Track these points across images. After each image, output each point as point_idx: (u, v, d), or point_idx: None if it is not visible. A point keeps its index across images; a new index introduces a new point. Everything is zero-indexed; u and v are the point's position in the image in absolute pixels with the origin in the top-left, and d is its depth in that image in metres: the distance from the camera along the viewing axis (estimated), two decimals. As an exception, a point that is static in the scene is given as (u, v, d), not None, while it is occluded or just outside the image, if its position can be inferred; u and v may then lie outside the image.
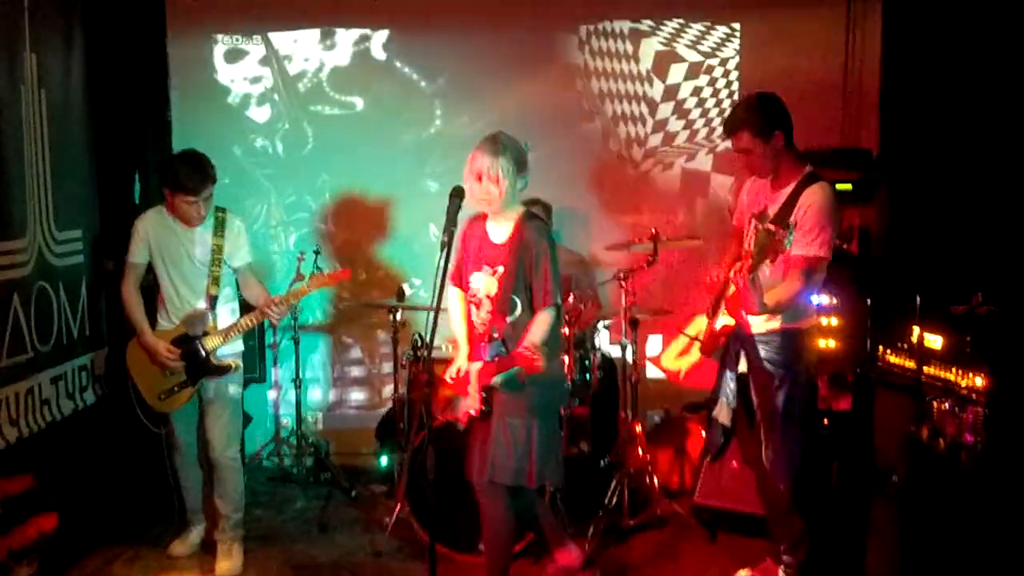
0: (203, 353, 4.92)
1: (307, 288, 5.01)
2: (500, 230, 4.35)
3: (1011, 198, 5.05)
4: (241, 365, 5.08)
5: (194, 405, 5.03)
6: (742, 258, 4.11)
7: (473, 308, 4.41)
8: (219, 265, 4.94)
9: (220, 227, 4.95)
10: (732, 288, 4.23)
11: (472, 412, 4.24)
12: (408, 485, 5.10)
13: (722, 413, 4.62)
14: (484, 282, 4.33)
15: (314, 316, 6.75)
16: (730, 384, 4.58)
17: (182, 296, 4.97)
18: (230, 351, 5.02)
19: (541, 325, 4.18)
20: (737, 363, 4.55)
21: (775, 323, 4.37)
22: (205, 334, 4.94)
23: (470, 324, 4.44)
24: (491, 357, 4.20)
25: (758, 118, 4.34)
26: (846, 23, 6.38)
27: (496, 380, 4.17)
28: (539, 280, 4.22)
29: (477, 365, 4.24)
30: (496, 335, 4.24)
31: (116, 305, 5.22)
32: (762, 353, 4.42)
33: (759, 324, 4.40)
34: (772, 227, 3.90)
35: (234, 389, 5.08)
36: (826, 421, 5.39)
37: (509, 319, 4.24)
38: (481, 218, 4.41)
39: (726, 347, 4.56)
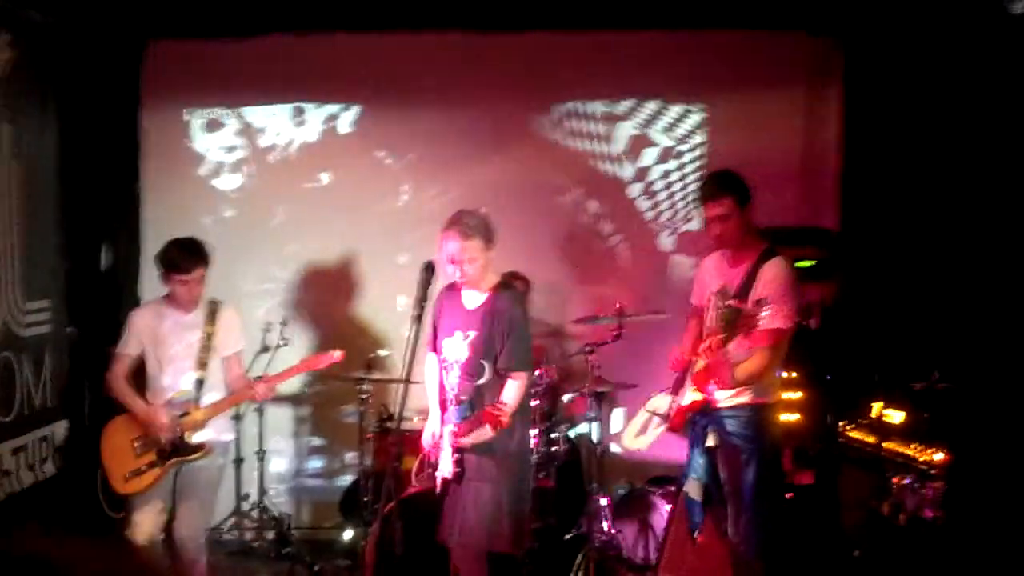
0: (178, 434, 4.90)
1: (298, 368, 5.18)
2: (475, 297, 4.45)
3: (969, 276, 5.17)
4: (218, 448, 5.02)
5: (161, 489, 4.96)
6: (710, 334, 4.19)
7: (444, 372, 4.47)
8: (207, 351, 4.99)
9: (212, 316, 5.04)
10: (699, 364, 4.30)
11: (447, 475, 4.28)
12: (376, 558, 5.06)
13: (692, 488, 4.66)
14: (456, 347, 4.41)
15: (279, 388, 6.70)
16: (699, 459, 4.62)
17: (168, 379, 4.98)
18: (211, 434, 4.99)
19: (512, 389, 4.28)
20: (705, 439, 4.59)
21: (743, 397, 4.42)
22: (185, 414, 4.92)
23: (442, 389, 4.49)
24: (459, 419, 4.29)
25: (740, 187, 4.45)
26: (808, 103, 6.54)
27: (466, 441, 4.21)
28: (509, 348, 4.31)
29: (449, 428, 4.29)
30: (464, 398, 4.30)
31: (79, 376, 5.20)
32: (729, 428, 4.46)
33: (727, 399, 4.44)
34: (735, 303, 3.98)
35: (209, 471, 5.00)
36: (790, 495, 5.42)
37: (477, 382, 4.31)
38: (456, 287, 4.48)
39: (693, 423, 4.60)
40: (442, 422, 4.43)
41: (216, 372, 5.04)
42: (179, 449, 4.90)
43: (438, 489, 4.40)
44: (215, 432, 4.98)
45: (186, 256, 4.90)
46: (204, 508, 5.06)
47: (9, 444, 4.95)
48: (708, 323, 4.48)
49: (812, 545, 5.11)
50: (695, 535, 4.89)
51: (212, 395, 4.99)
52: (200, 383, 4.96)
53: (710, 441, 4.57)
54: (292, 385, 6.62)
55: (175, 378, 4.96)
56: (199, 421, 4.91)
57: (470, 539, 4.28)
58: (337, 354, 5.16)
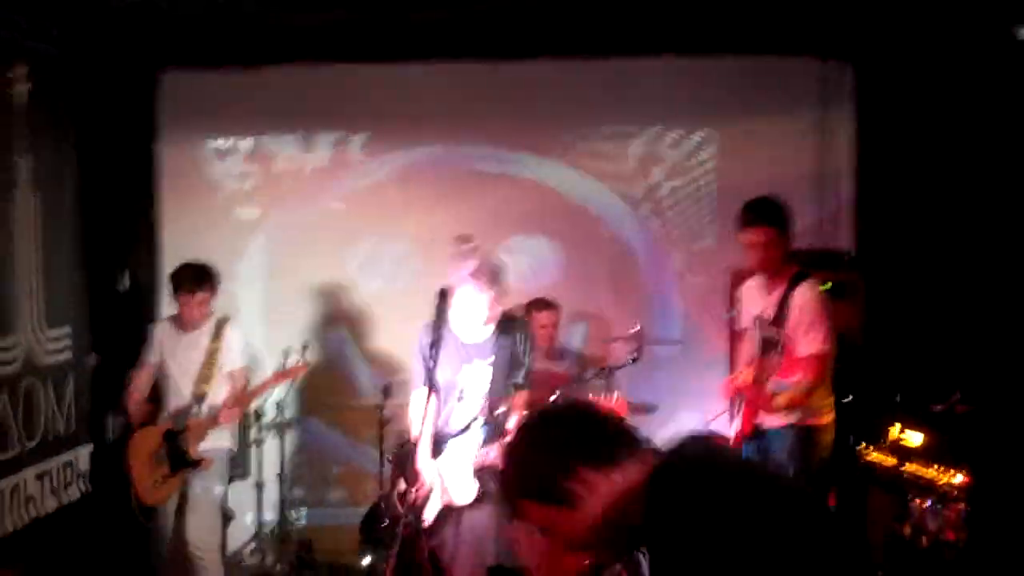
0: (182, 447, 5.13)
1: (265, 385, 5.41)
2: (480, 330, 4.58)
3: (988, 296, 5.19)
4: (217, 461, 5.24)
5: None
6: (750, 364, 4.25)
7: (453, 403, 4.57)
8: (211, 367, 5.27)
9: (218, 333, 5.34)
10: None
11: (463, 501, 4.36)
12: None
13: None
14: (473, 375, 4.52)
15: (299, 412, 6.74)
16: None
17: (178, 394, 5.27)
18: (211, 447, 5.11)
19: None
20: (755, 458, 4.60)
21: (792, 418, 4.46)
22: (187, 428, 5.13)
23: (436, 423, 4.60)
24: (483, 441, 4.41)
25: (782, 216, 4.46)
26: (820, 126, 6.57)
27: (493, 455, 4.34)
28: (523, 374, 4.51)
29: (470, 451, 4.43)
30: (486, 421, 4.39)
31: (102, 401, 5.30)
32: (777, 447, 4.48)
33: (776, 419, 4.47)
34: (773, 332, 4.06)
35: (211, 486, 5.21)
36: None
37: (500, 409, 4.43)
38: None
39: (746, 443, 4.64)
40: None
41: (223, 386, 5.29)
42: (182, 462, 5.13)
43: (430, 516, 4.53)
44: (212, 443, 5.19)
45: (191, 279, 5.25)
46: (209, 521, 5.20)
47: (33, 470, 4.99)
48: (752, 351, 4.53)
49: (835, 567, 5.10)
50: None
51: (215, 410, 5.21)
52: (201, 398, 5.21)
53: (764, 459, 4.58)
54: (310, 409, 6.68)
55: (183, 394, 5.25)
56: (196, 434, 5.13)
57: (481, 558, 4.37)
58: (301, 361, 5.43)
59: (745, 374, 4.32)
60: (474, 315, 4.49)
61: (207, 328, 5.36)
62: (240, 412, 5.34)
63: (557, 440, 2.02)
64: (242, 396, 5.30)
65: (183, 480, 5.17)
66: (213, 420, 5.16)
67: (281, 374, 5.43)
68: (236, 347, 5.41)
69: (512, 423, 4.38)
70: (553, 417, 2.17)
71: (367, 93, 6.70)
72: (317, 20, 5.97)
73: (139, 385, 5.36)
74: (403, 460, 4.79)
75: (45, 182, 5.26)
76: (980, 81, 5.40)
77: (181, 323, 5.36)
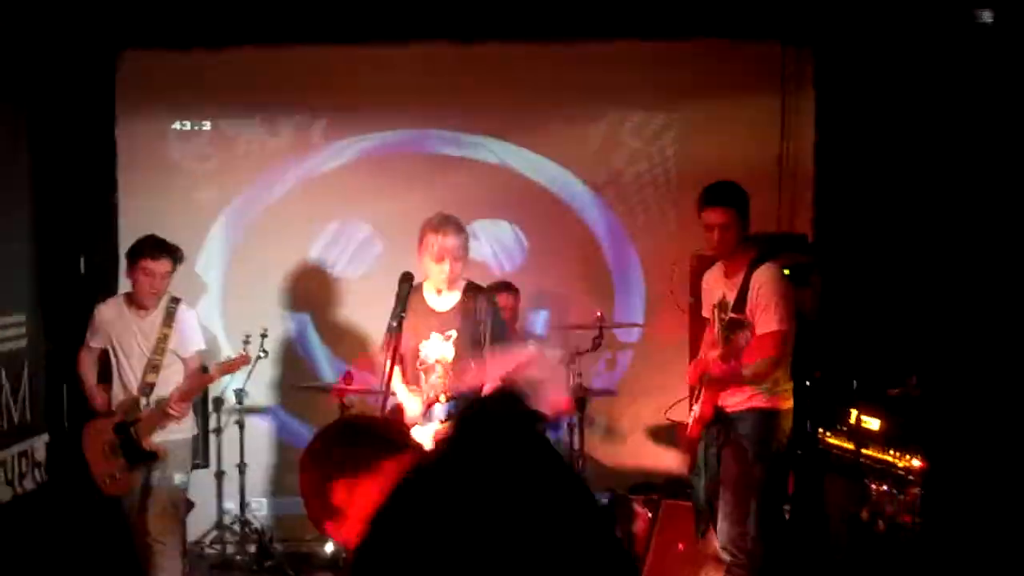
0: (134, 440, 4.93)
1: (210, 378, 5.23)
2: (445, 299, 4.57)
3: (945, 280, 5.24)
4: (175, 451, 5.04)
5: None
6: (713, 349, 4.29)
7: (421, 375, 4.55)
8: (161, 354, 5.00)
9: (169, 317, 5.05)
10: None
11: None
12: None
13: (698, 485, 4.70)
14: (437, 348, 4.49)
15: (258, 399, 6.68)
16: (709, 460, 4.64)
17: (128, 383, 5.03)
18: (168, 437, 5.00)
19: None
20: (716, 439, 4.62)
21: (755, 402, 4.48)
22: (137, 420, 4.95)
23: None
24: (445, 417, 4.36)
25: (742, 198, 4.52)
26: (780, 112, 6.60)
27: None
28: (492, 347, 4.48)
29: (433, 427, 4.38)
30: (451, 396, 4.41)
31: (58, 390, 5.19)
32: (740, 430, 4.50)
33: (739, 402, 4.50)
34: (734, 315, 4.11)
35: (170, 475, 5.02)
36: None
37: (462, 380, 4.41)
38: (417, 290, 4.54)
39: (707, 426, 4.65)
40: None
41: (176, 374, 5.05)
42: (137, 455, 4.93)
43: None
44: (169, 433, 4.99)
45: (153, 245, 4.95)
46: (169, 511, 5.05)
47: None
48: (714, 336, 4.57)
49: (795, 551, 5.16)
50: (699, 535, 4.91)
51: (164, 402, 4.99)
52: (150, 387, 4.98)
53: (719, 441, 4.60)
54: (270, 396, 6.63)
55: (134, 384, 5.00)
56: (148, 427, 4.93)
57: None
58: (243, 354, 5.19)
59: (711, 356, 4.37)
60: (449, 264, 4.47)
61: (159, 311, 5.05)
62: (188, 405, 5.04)
63: (317, 459, 2.17)
64: (192, 386, 5.05)
65: (144, 471, 4.97)
66: (164, 413, 4.92)
67: (224, 367, 5.18)
68: (189, 331, 5.14)
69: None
70: (318, 437, 2.25)
71: (329, 76, 6.63)
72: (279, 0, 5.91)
73: (83, 371, 5.10)
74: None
75: (-1, 166, 5.17)
76: (940, 65, 5.44)
77: (135, 301, 5.03)
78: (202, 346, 5.24)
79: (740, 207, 4.53)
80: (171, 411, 4.91)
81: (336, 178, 6.74)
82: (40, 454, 5.47)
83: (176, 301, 5.11)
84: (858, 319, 5.67)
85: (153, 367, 4.99)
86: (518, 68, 6.62)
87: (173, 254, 5.01)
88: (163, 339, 5.01)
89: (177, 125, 6.68)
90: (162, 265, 4.93)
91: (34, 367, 5.44)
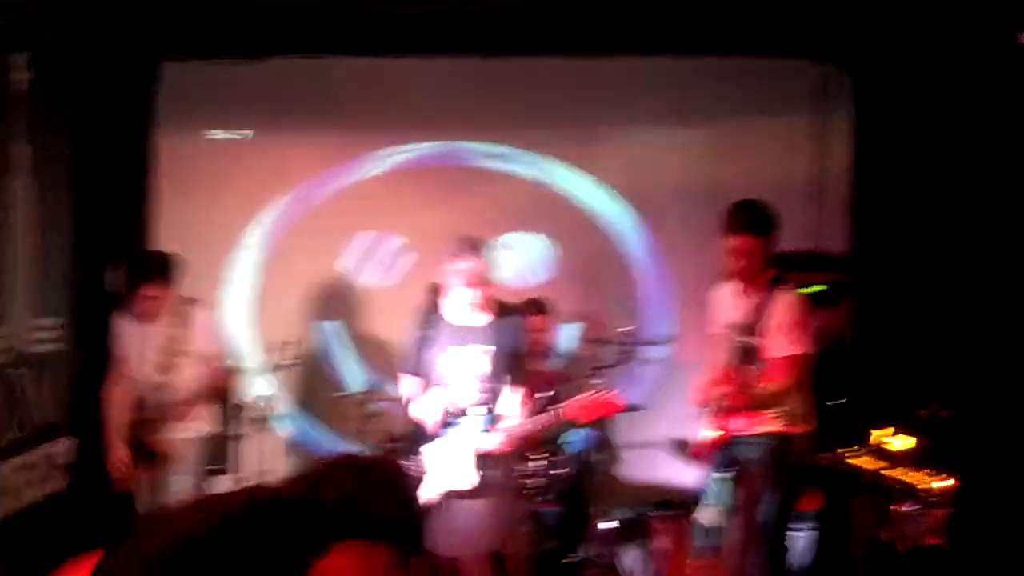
0: (140, 437, 4.97)
1: (200, 396, 5.11)
2: (477, 318, 4.57)
3: (979, 301, 5.16)
4: (186, 450, 5.04)
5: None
6: (728, 370, 4.23)
7: (444, 389, 4.57)
8: (171, 355, 4.98)
9: (182, 318, 5.03)
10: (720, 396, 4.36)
11: (465, 486, 4.43)
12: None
13: (705, 515, 4.63)
14: (471, 360, 4.51)
15: (283, 406, 6.72)
16: (721, 485, 4.58)
17: (144, 384, 5.04)
18: (177, 437, 5.01)
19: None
20: (729, 464, 4.57)
21: (771, 426, 4.42)
22: (144, 420, 4.97)
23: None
24: (484, 428, 4.41)
25: (767, 222, 4.42)
26: (817, 128, 6.54)
27: (495, 443, 4.39)
28: (518, 366, 4.54)
29: (470, 437, 4.45)
30: (486, 407, 4.46)
31: (89, 393, 5.24)
32: (754, 455, 4.44)
33: (754, 427, 4.44)
34: (750, 339, 4.06)
35: (180, 475, 5.01)
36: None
37: (498, 395, 4.47)
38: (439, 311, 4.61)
39: (719, 450, 4.59)
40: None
41: (190, 374, 5.04)
42: (143, 455, 4.96)
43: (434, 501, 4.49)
44: (175, 433, 4.99)
45: (152, 272, 4.94)
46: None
47: (17, 460, 4.99)
48: (727, 357, 4.50)
49: (818, 572, 5.09)
50: (697, 562, 4.86)
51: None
52: (160, 386, 4.97)
53: (735, 466, 4.55)
54: (296, 404, 6.66)
55: (144, 376, 5.01)
56: (154, 426, 4.95)
57: (483, 544, 4.46)
58: (226, 366, 5.18)
59: (725, 388, 4.28)
60: (475, 289, 4.47)
61: (170, 313, 5.00)
62: (195, 406, 5.03)
63: None
64: (201, 388, 5.02)
65: (152, 470, 4.97)
66: (170, 413, 4.94)
67: (208, 379, 5.09)
68: (202, 332, 5.09)
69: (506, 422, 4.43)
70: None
71: (367, 87, 6.69)
72: (316, 13, 5.97)
73: (112, 383, 5.08)
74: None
75: (42, 172, 5.27)
76: (977, 86, 5.36)
77: (139, 315, 4.99)
78: (217, 347, 5.22)
79: (765, 233, 4.41)
80: (176, 411, 4.94)
81: (371, 189, 6.79)
82: (67, 456, 5.54)
83: (190, 302, 5.10)
84: (889, 339, 5.58)
85: (164, 368, 4.99)
86: (554, 83, 6.63)
87: (165, 275, 4.96)
88: (174, 340, 4.98)
89: (215, 135, 6.78)
90: (159, 289, 4.91)
91: (65, 371, 5.51)
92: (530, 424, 4.35)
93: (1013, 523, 4.12)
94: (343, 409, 6.49)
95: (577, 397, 4.36)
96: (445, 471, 4.49)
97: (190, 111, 6.68)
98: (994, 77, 5.23)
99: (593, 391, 4.30)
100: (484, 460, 4.43)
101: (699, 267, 6.53)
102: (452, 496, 4.46)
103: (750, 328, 4.32)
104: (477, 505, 4.44)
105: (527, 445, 5.32)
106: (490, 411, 4.48)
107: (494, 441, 4.40)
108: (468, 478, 4.42)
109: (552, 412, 4.33)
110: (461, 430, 4.52)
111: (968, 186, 5.42)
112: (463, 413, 4.52)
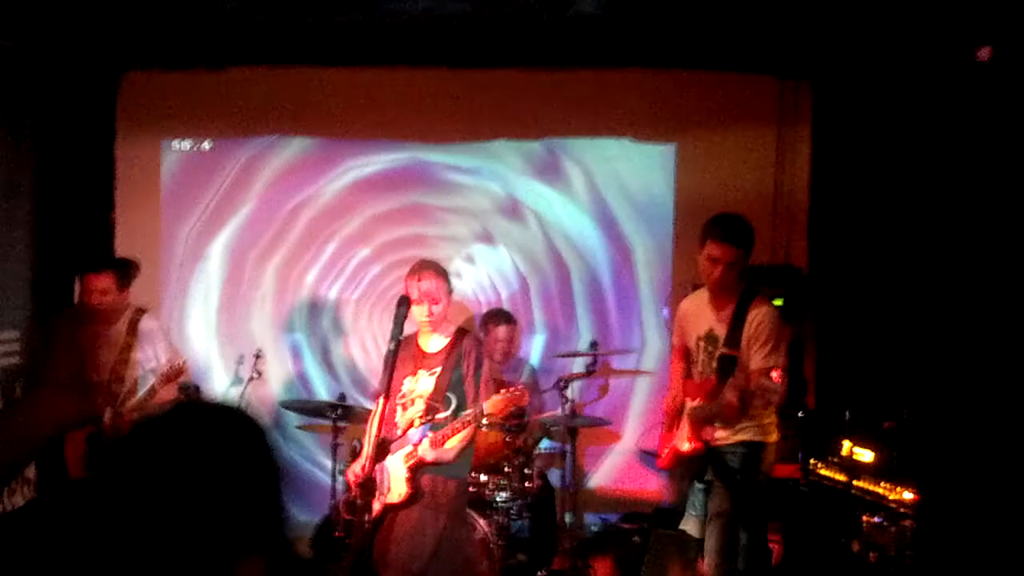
0: (102, 451, 4.87)
1: (153, 392, 4.98)
2: (436, 341, 4.61)
3: (939, 313, 5.24)
4: None
5: None
6: (704, 382, 4.27)
7: (399, 409, 4.59)
8: (124, 364, 4.97)
9: (132, 327, 5.03)
10: (690, 407, 4.39)
11: (396, 499, 4.39)
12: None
13: (691, 525, 4.65)
14: (421, 383, 4.54)
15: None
16: (699, 496, 4.61)
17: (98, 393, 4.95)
18: None
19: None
20: (704, 474, 4.57)
21: (743, 435, 4.43)
22: (102, 430, 4.89)
23: (388, 425, 4.58)
24: (418, 438, 4.39)
25: (749, 238, 4.44)
26: (776, 143, 6.63)
27: (422, 449, 4.35)
28: (475, 386, 4.49)
29: (405, 450, 4.42)
30: (427, 420, 4.45)
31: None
32: (728, 464, 4.45)
33: (727, 436, 4.44)
34: (728, 351, 4.09)
35: None
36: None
37: (441, 415, 4.42)
38: (411, 336, 4.62)
39: (692, 460, 4.59)
40: (374, 459, 4.48)
41: (145, 385, 4.97)
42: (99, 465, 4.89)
43: (373, 515, 4.51)
44: None
45: (95, 261, 4.94)
46: None
47: (-23, 477, 4.88)
48: (698, 368, 4.52)
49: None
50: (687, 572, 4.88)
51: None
52: (116, 397, 4.92)
53: (708, 476, 4.55)
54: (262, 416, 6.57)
55: (101, 388, 4.94)
56: (109, 437, 4.83)
57: (412, 558, 4.37)
58: (181, 361, 4.99)
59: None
60: (429, 307, 4.49)
61: (123, 322, 4.98)
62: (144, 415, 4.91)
63: None
64: (147, 397, 4.88)
65: None
66: (122, 424, 4.83)
67: (163, 377, 4.92)
68: (152, 342, 5.05)
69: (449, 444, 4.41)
70: None
71: (331, 98, 6.67)
72: (280, 22, 5.92)
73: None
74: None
75: (1, 181, 5.17)
76: (936, 102, 5.46)
77: (87, 313, 4.93)
78: (167, 358, 5.08)
79: (746, 246, 4.43)
80: (124, 423, 4.83)
81: (335, 200, 6.75)
82: (30, 471, 5.43)
83: (141, 312, 5.09)
84: (852, 351, 5.66)
85: (118, 378, 4.95)
86: (520, 95, 6.65)
87: (117, 269, 4.94)
88: (127, 349, 4.97)
89: (176, 145, 6.70)
90: (103, 281, 4.87)
91: (26, 383, 5.41)
92: (459, 423, 4.32)
93: (979, 534, 4.19)
94: (314, 422, 6.47)
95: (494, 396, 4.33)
96: (386, 486, 4.51)
97: (151, 121, 6.60)
98: (952, 93, 5.33)
99: (506, 389, 4.29)
100: (416, 471, 4.41)
101: (663, 279, 6.63)
102: (390, 510, 4.47)
103: (726, 341, 4.33)
104: (409, 518, 4.42)
105: (491, 457, 5.34)
106: (426, 422, 4.46)
107: (424, 448, 4.37)
108: (399, 491, 4.42)
109: (471, 411, 4.31)
110: (401, 445, 4.52)
111: (926, 200, 5.52)
112: (406, 431, 4.53)
